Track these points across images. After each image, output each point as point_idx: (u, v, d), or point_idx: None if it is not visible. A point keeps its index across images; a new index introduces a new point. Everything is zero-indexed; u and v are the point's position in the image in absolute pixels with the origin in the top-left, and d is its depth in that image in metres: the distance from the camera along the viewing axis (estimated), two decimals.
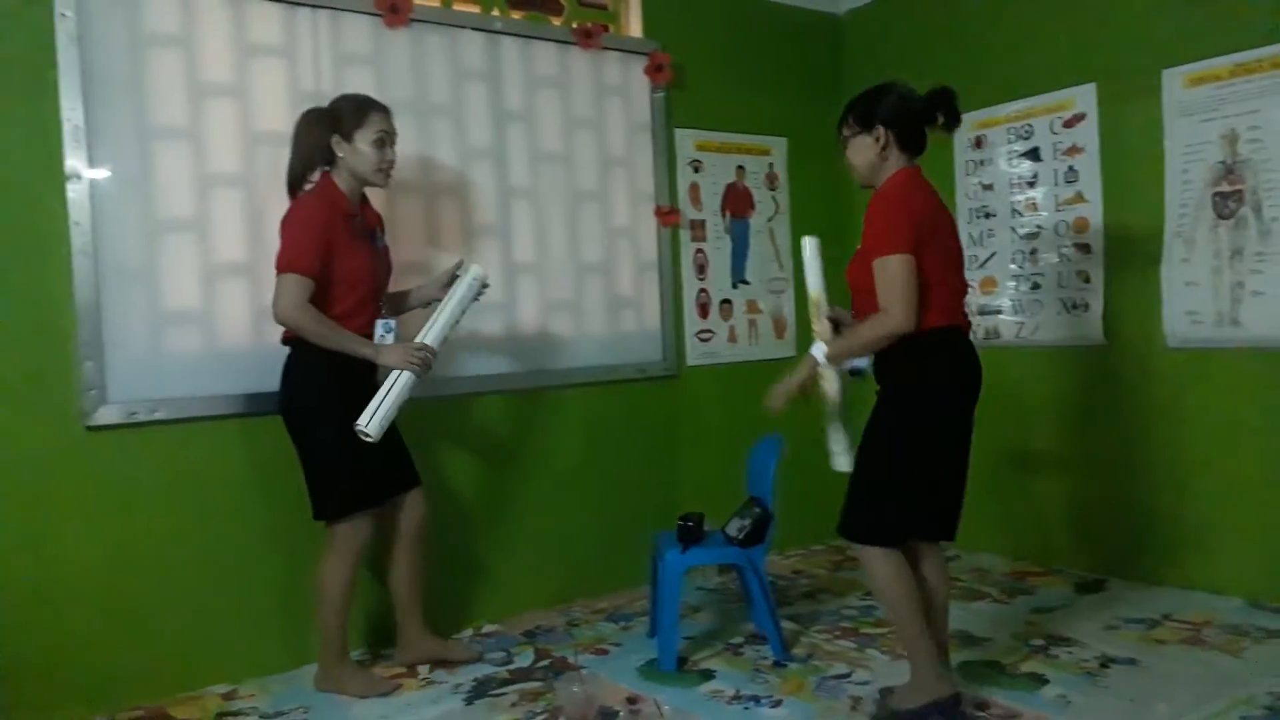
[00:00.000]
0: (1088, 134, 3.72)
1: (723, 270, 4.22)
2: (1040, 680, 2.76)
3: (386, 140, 2.81)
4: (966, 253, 4.05)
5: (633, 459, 3.90)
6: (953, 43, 4.13)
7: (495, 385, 3.54)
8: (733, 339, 4.24)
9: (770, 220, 4.37)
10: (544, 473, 3.67)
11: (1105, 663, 2.86)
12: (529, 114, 3.65)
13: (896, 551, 2.44)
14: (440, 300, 2.92)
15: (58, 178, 2.75)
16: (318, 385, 2.74)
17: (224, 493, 2.99)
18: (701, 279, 4.15)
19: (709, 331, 4.17)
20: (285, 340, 2.79)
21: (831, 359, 2.54)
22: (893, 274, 2.31)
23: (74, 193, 2.77)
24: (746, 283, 4.29)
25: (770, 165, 4.36)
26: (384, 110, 2.83)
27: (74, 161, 2.77)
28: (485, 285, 2.95)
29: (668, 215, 4.01)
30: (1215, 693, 2.61)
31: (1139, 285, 3.57)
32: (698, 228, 4.14)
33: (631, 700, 2.75)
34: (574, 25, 3.75)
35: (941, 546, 2.61)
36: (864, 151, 2.49)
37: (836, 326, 2.66)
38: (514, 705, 2.74)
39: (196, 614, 2.94)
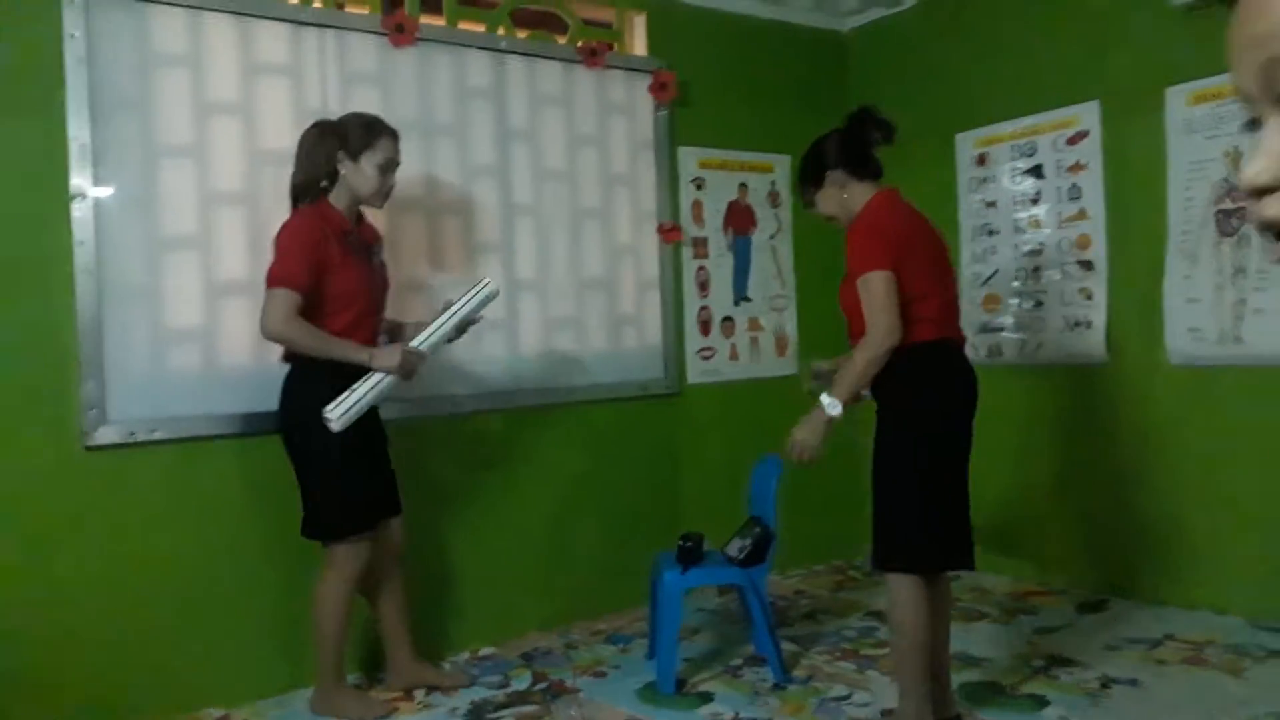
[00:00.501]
0: (1091, 151, 3.73)
1: (725, 288, 4.22)
2: (1041, 701, 2.74)
3: (391, 167, 2.81)
4: (968, 270, 4.10)
5: (633, 477, 3.88)
6: (957, 60, 4.14)
7: (496, 403, 3.54)
8: (734, 357, 4.24)
9: (772, 238, 4.37)
10: (543, 492, 3.65)
11: (1106, 683, 2.85)
12: (533, 132, 3.66)
13: (922, 580, 2.44)
14: (452, 306, 2.88)
15: (63, 196, 2.77)
16: (319, 403, 2.71)
17: (222, 513, 2.99)
18: (703, 296, 4.15)
19: (710, 349, 4.17)
20: (285, 358, 2.79)
21: (845, 403, 2.47)
22: (873, 290, 2.39)
23: (79, 211, 2.78)
24: (748, 300, 4.29)
25: (773, 183, 4.36)
26: (393, 135, 2.82)
27: (79, 180, 2.78)
28: (493, 296, 2.94)
29: (670, 232, 4.01)
30: (1217, 714, 2.59)
31: (1141, 303, 3.56)
32: (700, 245, 4.14)
33: None
34: (579, 44, 3.77)
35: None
36: (830, 200, 2.61)
37: (829, 375, 2.67)
38: None
39: (193, 635, 2.93)
